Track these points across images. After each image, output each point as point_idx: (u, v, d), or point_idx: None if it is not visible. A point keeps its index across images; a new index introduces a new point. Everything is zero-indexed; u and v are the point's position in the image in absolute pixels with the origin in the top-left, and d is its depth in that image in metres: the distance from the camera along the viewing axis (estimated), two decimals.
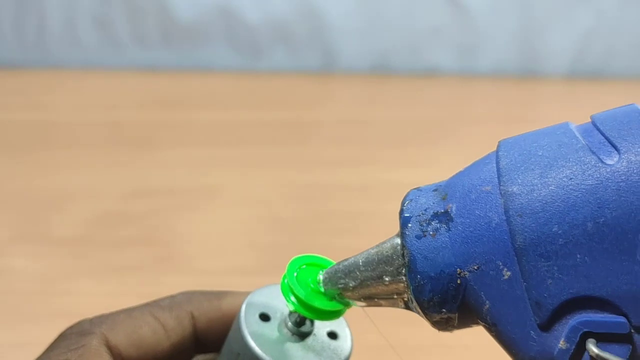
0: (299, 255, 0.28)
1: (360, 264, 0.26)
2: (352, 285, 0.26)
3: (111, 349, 0.28)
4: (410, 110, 0.87)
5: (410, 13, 0.93)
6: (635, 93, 0.93)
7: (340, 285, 0.26)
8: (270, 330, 0.28)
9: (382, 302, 0.26)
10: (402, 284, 0.25)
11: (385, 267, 0.25)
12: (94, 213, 0.64)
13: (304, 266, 0.28)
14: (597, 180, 0.22)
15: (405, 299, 0.25)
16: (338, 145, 0.77)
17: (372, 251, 0.26)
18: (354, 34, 0.94)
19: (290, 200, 0.67)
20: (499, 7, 0.92)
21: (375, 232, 0.69)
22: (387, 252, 0.26)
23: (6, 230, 0.62)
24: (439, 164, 0.73)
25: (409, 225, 0.25)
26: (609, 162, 0.22)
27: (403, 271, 0.25)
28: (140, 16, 0.93)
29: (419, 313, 0.25)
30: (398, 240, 0.25)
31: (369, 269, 0.26)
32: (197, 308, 0.30)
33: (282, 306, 0.28)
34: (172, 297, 0.30)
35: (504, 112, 0.86)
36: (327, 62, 0.95)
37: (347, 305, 0.27)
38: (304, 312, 0.27)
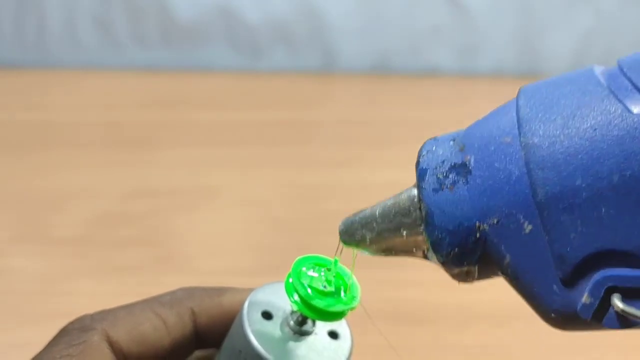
0: (304, 256, 0.28)
1: (377, 215, 0.25)
2: (370, 237, 0.25)
3: (112, 345, 0.28)
4: (410, 110, 0.86)
5: (410, 13, 0.93)
6: None
7: (357, 237, 0.26)
8: (272, 328, 0.28)
9: (400, 253, 0.25)
10: (420, 237, 0.24)
11: (403, 220, 0.24)
12: (93, 213, 0.64)
13: (309, 266, 0.28)
14: (623, 131, 0.20)
15: (425, 251, 0.24)
16: (338, 145, 0.77)
17: (389, 202, 0.25)
18: (354, 34, 0.93)
19: (291, 200, 0.67)
20: (499, 7, 0.92)
21: None
22: (404, 203, 0.25)
23: (6, 231, 0.61)
24: None
25: (426, 178, 0.24)
26: (637, 110, 0.21)
27: (421, 224, 0.24)
28: (140, 16, 0.93)
29: (438, 265, 0.24)
30: (415, 192, 0.24)
31: (386, 220, 0.25)
32: (197, 304, 0.30)
33: (284, 305, 0.28)
34: (172, 293, 0.30)
35: None
36: (327, 62, 0.95)
37: (351, 305, 0.27)
38: (307, 312, 0.27)
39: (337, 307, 0.27)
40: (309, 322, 0.28)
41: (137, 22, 0.94)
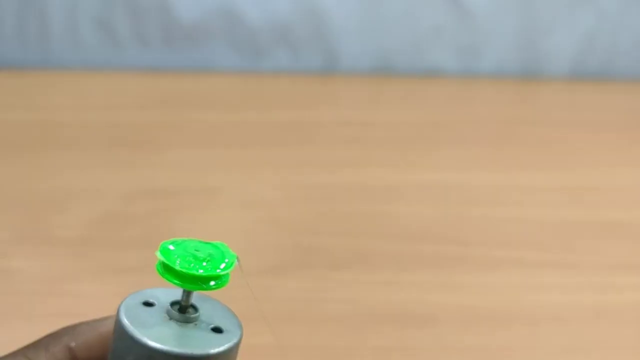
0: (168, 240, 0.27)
1: None
2: None
3: None
4: (412, 111, 0.86)
5: (412, 14, 0.93)
6: (638, 94, 0.93)
7: None
8: (151, 315, 0.27)
9: None
10: None
11: None
12: (95, 214, 0.64)
13: (174, 246, 0.27)
14: None
15: None
16: (340, 146, 0.77)
17: None
18: (356, 34, 0.93)
19: (292, 201, 0.67)
20: (501, 8, 0.92)
21: (376, 233, 0.69)
22: None
23: (7, 231, 0.61)
24: (440, 165, 0.73)
25: None
26: None
27: None
28: (142, 17, 0.93)
29: None
30: None
31: None
32: (76, 339, 0.30)
33: (167, 296, 0.28)
34: (50, 334, 0.30)
35: (505, 112, 0.86)
36: (329, 63, 0.94)
37: (215, 272, 0.27)
38: (168, 277, 0.26)
39: (200, 273, 0.26)
40: (190, 310, 0.28)
41: (139, 22, 0.94)
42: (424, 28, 0.93)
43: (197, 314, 0.28)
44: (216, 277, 0.27)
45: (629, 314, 0.55)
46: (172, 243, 0.27)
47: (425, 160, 0.74)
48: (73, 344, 0.29)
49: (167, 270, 0.27)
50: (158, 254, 0.27)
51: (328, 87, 0.93)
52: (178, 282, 0.27)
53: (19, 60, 0.95)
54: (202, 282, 0.27)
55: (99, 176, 0.70)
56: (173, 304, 0.28)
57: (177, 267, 0.26)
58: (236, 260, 0.28)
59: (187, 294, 0.28)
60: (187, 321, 0.27)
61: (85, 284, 0.55)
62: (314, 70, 0.94)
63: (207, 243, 0.28)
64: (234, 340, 0.27)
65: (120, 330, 0.27)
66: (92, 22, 0.94)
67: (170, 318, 0.27)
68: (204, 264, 0.27)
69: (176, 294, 0.28)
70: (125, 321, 0.26)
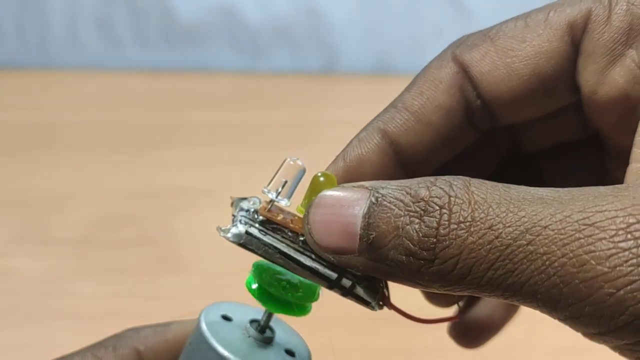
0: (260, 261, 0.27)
1: None
2: None
3: None
4: None
5: (412, 14, 0.93)
6: None
7: None
8: (231, 330, 0.28)
9: None
10: None
11: None
12: (94, 214, 0.64)
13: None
14: None
15: None
16: (340, 145, 0.77)
17: None
18: (356, 34, 0.93)
19: (291, 200, 0.67)
20: (500, 8, 0.92)
21: None
22: None
23: (6, 231, 0.61)
24: None
25: None
26: None
27: None
28: (142, 17, 0.93)
29: None
30: None
31: None
32: (142, 343, 0.29)
33: (244, 313, 0.28)
34: (116, 335, 0.30)
35: None
36: (329, 63, 0.94)
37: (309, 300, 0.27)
38: (266, 302, 0.27)
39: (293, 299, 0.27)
40: (268, 331, 0.28)
41: (139, 22, 0.94)
42: (423, 28, 0.93)
43: (273, 335, 0.28)
44: (305, 305, 0.27)
45: None
46: (259, 265, 0.28)
47: None
48: (142, 347, 0.29)
49: (263, 292, 0.27)
50: (252, 274, 0.27)
51: (328, 86, 0.93)
52: (272, 306, 0.27)
53: (19, 60, 0.95)
54: (292, 307, 0.27)
55: (98, 176, 0.70)
56: (252, 322, 0.28)
57: (274, 292, 0.27)
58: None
59: (268, 315, 0.28)
60: (265, 341, 0.28)
61: (85, 284, 0.55)
62: (314, 70, 0.94)
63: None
64: None
65: (201, 343, 0.27)
66: (92, 23, 0.94)
67: (249, 335, 0.28)
68: (298, 291, 0.27)
69: (252, 311, 0.28)
70: (209, 335, 0.26)
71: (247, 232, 0.25)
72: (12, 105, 0.86)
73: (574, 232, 0.20)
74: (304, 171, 0.28)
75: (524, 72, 0.26)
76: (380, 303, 0.25)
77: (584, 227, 0.20)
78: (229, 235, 0.26)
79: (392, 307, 0.26)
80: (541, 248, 0.20)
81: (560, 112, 0.27)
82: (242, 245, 0.25)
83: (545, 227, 0.20)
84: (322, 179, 0.26)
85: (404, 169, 0.27)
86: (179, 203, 0.66)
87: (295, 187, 0.28)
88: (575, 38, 0.26)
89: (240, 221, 0.26)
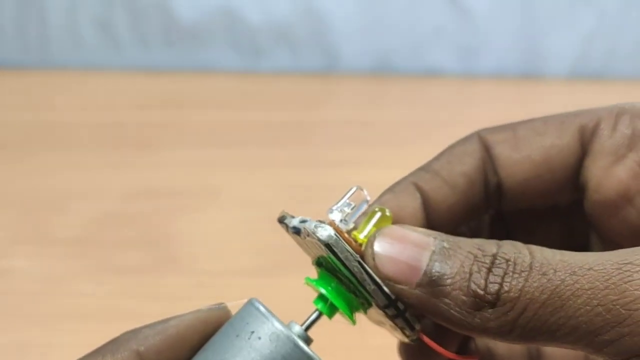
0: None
1: None
2: None
3: None
4: (412, 110, 0.86)
5: (412, 14, 0.93)
6: (637, 94, 0.93)
7: None
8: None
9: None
10: None
11: None
12: (94, 214, 0.64)
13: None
14: None
15: None
16: (340, 145, 0.77)
17: None
18: (356, 34, 0.93)
19: (292, 201, 0.67)
20: (500, 8, 0.92)
21: None
22: None
23: (6, 231, 0.61)
24: None
25: None
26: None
27: None
28: (142, 17, 0.93)
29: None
30: None
31: None
32: (142, 343, 0.29)
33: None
34: (114, 340, 0.30)
35: (505, 113, 0.86)
36: (329, 63, 0.94)
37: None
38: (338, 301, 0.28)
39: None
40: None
41: (139, 23, 0.94)
42: (423, 28, 0.93)
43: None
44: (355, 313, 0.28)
45: None
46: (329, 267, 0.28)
47: (425, 160, 0.73)
48: (142, 349, 0.29)
49: (337, 291, 0.28)
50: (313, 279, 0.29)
51: (328, 87, 0.93)
52: (341, 302, 0.28)
53: (19, 61, 0.95)
54: (356, 308, 0.28)
55: (99, 176, 0.70)
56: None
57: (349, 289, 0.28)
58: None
59: (318, 314, 0.29)
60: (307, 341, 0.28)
61: (85, 284, 0.55)
62: (314, 70, 0.94)
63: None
64: None
65: (269, 329, 0.27)
66: (92, 23, 0.94)
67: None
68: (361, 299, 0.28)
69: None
70: (274, 319, 0.27)
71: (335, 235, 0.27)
72: (12, 105, 0.86)
73: (614, 270, 0.23)
74: (367, 202, 0.30)
75: (537, 159, 0.31)
76: (418, 330, 0.27)
77: (624, 264, 0.23)
78: (319, 234, 0.27)
79: (424, 338, 0.28)
80: (586, 284, 0.23)
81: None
82: (328, 246, 0.27)
83: (589, 269, 0.24)
84: (384, 213, 0.29)
85: (427, 226, 0.30)
86: (179, 203, 0.66)
87: (357, 214, 0.29)
88: (585, 139, 0.31)
89: (322, 226, 0.28)
